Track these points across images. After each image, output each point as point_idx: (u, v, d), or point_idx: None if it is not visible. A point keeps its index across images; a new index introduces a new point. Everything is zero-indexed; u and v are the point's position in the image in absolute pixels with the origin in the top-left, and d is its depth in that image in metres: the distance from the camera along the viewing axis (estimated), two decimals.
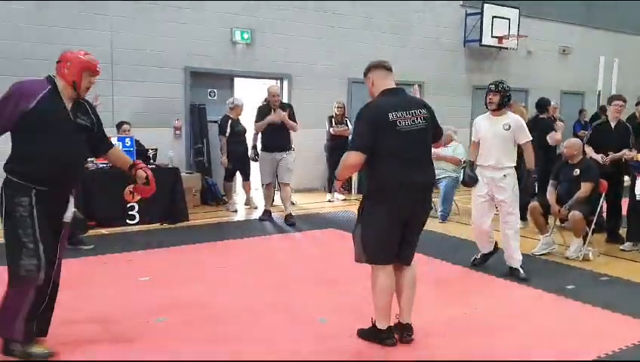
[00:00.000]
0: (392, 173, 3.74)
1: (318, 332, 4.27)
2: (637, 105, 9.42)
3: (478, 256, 6.15)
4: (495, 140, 5.70)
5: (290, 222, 8.20)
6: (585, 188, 6.39)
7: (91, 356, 3.78)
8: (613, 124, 7.16)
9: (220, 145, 9.26)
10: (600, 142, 7.09)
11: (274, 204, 8.93)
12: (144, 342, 4.01)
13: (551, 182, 6.76)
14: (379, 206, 3.81)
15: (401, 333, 4.01)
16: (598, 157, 6.95)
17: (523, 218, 7.47)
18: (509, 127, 5.65)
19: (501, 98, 5.67)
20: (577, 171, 6.53)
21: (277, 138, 8.20)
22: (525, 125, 5.85)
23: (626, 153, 6.81)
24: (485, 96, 5.80)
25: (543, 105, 8.63)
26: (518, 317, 4.65)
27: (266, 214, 8.52)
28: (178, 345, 3.98)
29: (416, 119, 3.81)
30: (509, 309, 4.87)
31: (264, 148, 8.30)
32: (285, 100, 9.90)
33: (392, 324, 3.98)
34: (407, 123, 3.76)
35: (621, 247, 6.93)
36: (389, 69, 3.97)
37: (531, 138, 5.80)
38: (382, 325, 3.93)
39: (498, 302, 5.08)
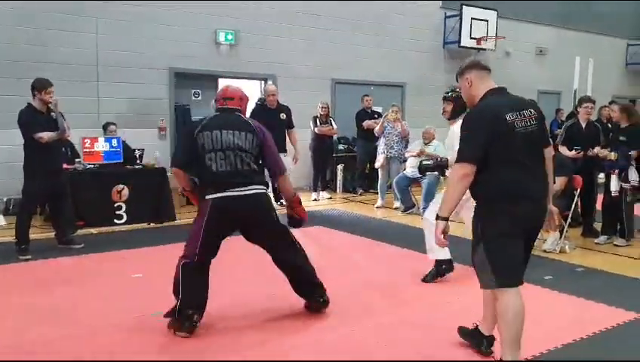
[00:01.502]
0: (512, 182, 3.26)
1: (309, 323, 4.44)
2: (602, 108, 9.77)
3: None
4: (449, 152, 5.48)
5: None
6: (559, 182, 6.65)
7: (89, 348, 3.91)
8: (583, 125, 7.45)
9: None
10: (572, 142, 7.38)
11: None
12: (140, 335, 4.14)
13: None
14: (500, 220, 3.29)
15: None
16: (572, 153, 7.24)
17: None
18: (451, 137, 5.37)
19: (454, 106, 5.32)
20: None
21: (277, 138, 8.20)
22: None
23: (600, 151, 7.08)
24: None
25: None
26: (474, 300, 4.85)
27: None
28: (174, 337, 4.11)
29: (530, 120, 3.34)
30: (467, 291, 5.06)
31: None
32: None
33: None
34: (523, 125, 3.30)
35: (596, 241, 7.20)
36: (488, 69, 3.59)
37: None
38: (515, 356, 3.38)
39: (478, 291, 5.27)
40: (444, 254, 5.35)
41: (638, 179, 6.83)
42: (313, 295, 4.54)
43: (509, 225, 3.28)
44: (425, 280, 5.43)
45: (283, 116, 8.41)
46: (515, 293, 3.34)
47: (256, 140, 4.24)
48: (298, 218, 4.59)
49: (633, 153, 6.80)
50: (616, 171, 6.89)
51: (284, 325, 4.38)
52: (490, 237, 3.32)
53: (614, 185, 6.93)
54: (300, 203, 4.63)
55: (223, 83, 10.82)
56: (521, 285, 3.37)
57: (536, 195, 3.37)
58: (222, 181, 4.11)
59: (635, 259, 6.53)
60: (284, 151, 8.46)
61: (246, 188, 4.14)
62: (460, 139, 3.34)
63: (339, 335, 4.20)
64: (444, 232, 3.32)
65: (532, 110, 3.40)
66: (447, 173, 5.39)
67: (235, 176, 4.13)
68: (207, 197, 4.12)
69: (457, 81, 3.65)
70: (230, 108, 4.38)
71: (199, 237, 4.15)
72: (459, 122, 5.16)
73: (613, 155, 6.86)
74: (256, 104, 8.81)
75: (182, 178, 4.38)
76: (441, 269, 5.43)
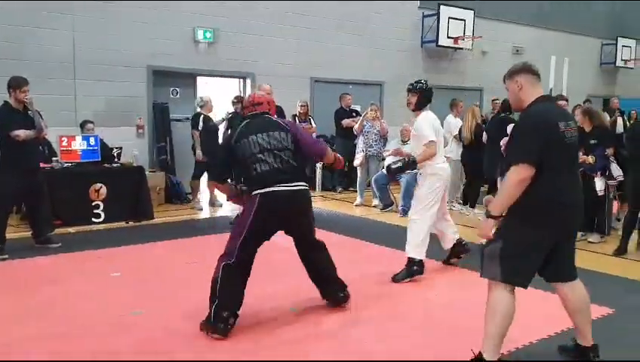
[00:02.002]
0: (561, 190, 3.33)
1: (288, 319, 4.48)
2: (576, 107, 9.91)
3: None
4: (413, 141, 5.86)
5: None
6: None
7: (68, 349, 3.89)
8: None
9: (192, 142, 9.23)
10: None
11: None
12: (120, 335, 4.13)
13: (499, 179, 7.17)
14: (533, 227, 3.34)
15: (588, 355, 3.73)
16: None
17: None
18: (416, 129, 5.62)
19: (419, 98, 5.53)
20: None
21: None
22: (425, 126, 5.50)
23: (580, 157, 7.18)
24: None
25: (508, 107, 8.88)
26: (476, 301, 4.90)
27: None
28: (153, 336, 4.12)
29: (573, 131, 3.40)
30: (467, 294, 5.13)
31: None
32: None
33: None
34: (569, 135, 3.36)
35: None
36: (539, 75, 3.55)
37: (431, 139, 5.43)
38: (492, 357, 3.43)
39: (456, 287, 5.36)
40: (420, 255, 5.45)
41: (622, 173, 6.95)
42: (335, 290, 4.72)
43: (540, 234, 3.36)
44: (395, 279, 5.46)
45: None
46: (510, 292, 3.42)
47: (290, 137, 4.41)
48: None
49: (609, 151, 6.92)
50: (599, 173, 6.99)
51: (274, 323, 4.40)
52: (513, 238, 3.37)
53: (599, 185, 6.95)
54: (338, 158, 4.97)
55: (201, 81, 10.85)
56: (525, 288, 3.46)
57: (580, 202, 3.48)
58: (267, 180, 4.24)
59: (609, 255, 6.65)
60: None
61: (291, 184, 4.30)
62: (517, 142, 3.39)
63: (309, 331, 4.24)
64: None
65: (573, 122, 3.51)
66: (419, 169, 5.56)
67: (279, 174, 4.27)
68: (255, 192, 4.23)
69: (504, 82, 3.64)
70: (260, 113, 4.54)
71: (242, 235, 4.23)
72: (423, 114, 5.53)
73: (591, 159, 6.94)
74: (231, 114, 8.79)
75: (223, 189, 4.69)
76: (412, 270, 5.48)
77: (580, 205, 3.49)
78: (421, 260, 5.49)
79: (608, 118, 13.26)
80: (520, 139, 3.37)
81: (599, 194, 7.01)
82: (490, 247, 3.44)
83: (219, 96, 10.24)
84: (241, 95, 10.07)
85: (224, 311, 4.07)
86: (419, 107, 5.56)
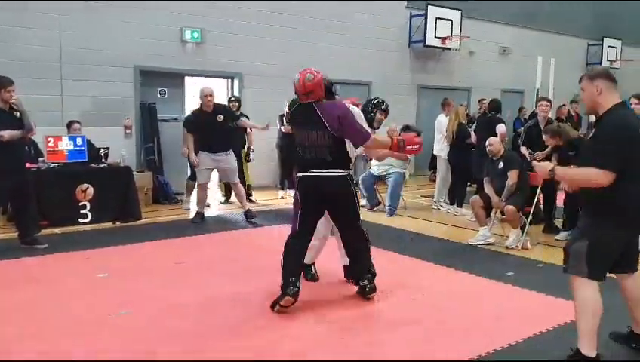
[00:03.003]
0: (638, 195, 3.49)
1: (276, 320, 4.47)
2: (561, 107, 10.03)
3: None
4: None
5: (251, 215, 8.29)
6: (511, 175, 6.85)
7: (55, 349, 3.88)
8: (542, 125, 7.65)
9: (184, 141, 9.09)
10: (532, 142, 7.55)
11: (230, 201, 9.15)
12: (108, 335, 4.12)
13: (485, 179, 7.20)
14: (618, 227, 3.53)
15: None
16: (525, 152, 7.52)
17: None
18: None
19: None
20: (502, 164, 7.00)
21: (217, 138, 8.06)
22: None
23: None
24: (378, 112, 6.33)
25: (496, 108, 8.96)
26: (462, 301, 4.96)
27: (198, 217, 8.33)
28: (142, 336, 4.12)
29: None
30: (453, 294, 5.17)
31: (203, 149, 8.09)
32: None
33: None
34: None
35: (556, 237, 7.37)
36: (616, 82, 3.65)
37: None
38: (591, 352, 3.60)
39: (443, 287, 5.39)
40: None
41: None
42: (362, 280, 5.00)
43: (622, 236, 3.58)
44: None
45: (220, 118, 8.19)
46: (595, 289, 3.58)
47: (327, 134, 4.72)
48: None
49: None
50: None
51: (256, 324, 4.41)
52: (597, 238, 3.55)
53: None
54: (403, 145, 5.07)
55: (189, 81, 10.83)
56: (603, 280, 3.64)
57: None
58: (307, 165, 4.81)
59: None
60: (226, 150, 8.14)
61: (325, 171, 4.74)
62: (602, 147, 3.49)
63: (300, 330, 4.25)
64: None
65: None
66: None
67: (316, 162, 4.76)
68: (298, 175, 4.87)
69: (580, 81, 3.75)
70: (308, 104, 4.99)
71: (298, 212, 4.90)
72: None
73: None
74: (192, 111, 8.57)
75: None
76: None
77: None
78: None
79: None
80: (607, 145, 3.47)
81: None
82: (575, 246, 3.63)
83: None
84: (236, 95, 10.10)
85: (290, 277, 4.60)
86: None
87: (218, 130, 8.03)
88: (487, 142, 7.30)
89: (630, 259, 3.79)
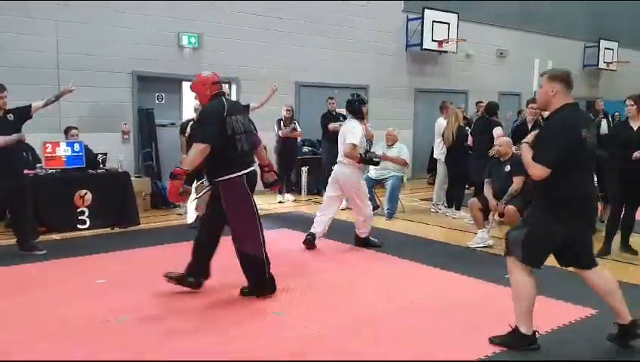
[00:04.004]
0: (578, 191, 3.81)
1: (275, 324, 4.48)
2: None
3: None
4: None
5: None
6: (517, 181, 6.82)
7: (54, 353, 3.87)
8: (529, 125, 7.69)
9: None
10: (519, 141, 7.53)
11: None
12: (106, 341, 4.12)
13: (486, 180, 7.18)
14: (556, 221, 3.80)
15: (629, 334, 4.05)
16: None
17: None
18: None
19: None
20: (508, 167, 6.97)
21: None
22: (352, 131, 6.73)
23: None
24: (363, 107, 6.93)
25: (493, 110, 8.98)
26: (461, 304, 4.97)
27: (199, 221, 8.43)
28: (140, 342, 4.12)
29: (593, 137, 3.89)
30: (452, 297, 5.18)
31: None
32: None
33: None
34: (591, 140, 3.82)
35: None
36: (572, 87, 3.93)
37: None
38: (527, 330, 3.95)
39: (441, 290, 5.39)
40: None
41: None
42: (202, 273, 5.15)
43: (561, 226, 3.81)
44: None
45: None
46: (529, 273, 3.93)
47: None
48: (272, 179, 5.68)
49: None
50: None
51: (245, 326, 4.41)
52: (536, 226, 3.86)
53: None
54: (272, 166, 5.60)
55: (186, 86, 10.81)
56: (538, 269, 3.96)
57: (595, 197, 4.03)
58: (246, 159, 4.89)
59: None
60: None
61: (254, 164, 5.01)
62: (541, 143, 3.81)
63: (297, 334, 4.25)
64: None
65: (593, 128, 3.96)
66: None
67: (250, 155, 4.97)
68: (237, 174, 4.79)
69: (541, 75, 4.00)
70: (223, 92, 4.98)
71: (255, 222, 5.01)
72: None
73: None
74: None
75: (203, 156, 4.68)
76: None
77: (595, 199, 4.04)
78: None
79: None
80: (546, 141, 3.79)
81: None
82: (516, 233, 3.96)
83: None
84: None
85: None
86: None
87: None
88: (496, 143, 7.29)
89: (585, 255, 4.05)
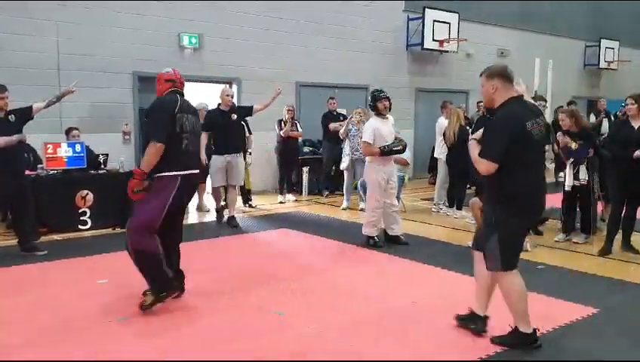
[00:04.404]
0: (530, 183, 3.85)
1: (277, 324, 4.48)
2: (558, 108, 10.05)
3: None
4: (390, 138, 6.91)
5: (234, 223, 8.31)
6: None
7: (56, 353, 3.88)
8: None
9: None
10: None
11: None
12: (107, 342, 4.12)
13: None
14: (513, 216, 3.84)
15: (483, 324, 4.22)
16: None
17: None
18: (393, 125, 7.10)
19: (389, 102, 6.99)
20: None
21: (230, 138, 8.31)
22: None
23: (562, 140, 7.20)
24: (377, 102, 6.97)
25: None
26: (462, 303, 4.95)
27: (219, 216, 8.66)
28: (141, 342, 4.12)
29: (541, 128, 3.88)
30: (453, 296, 5.17)
31: (215, 151, 8.36)
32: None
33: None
34: (537, 131, 3.83)
35: (556, 238, 7.39)
36: (512, 80, 3.99)
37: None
38: (527, 329, 3.97)
39: (443, 290, 5.39)
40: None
41: (586, 178, 7.04)
42: (179, 277, 4.99)
43: (521, 222, 3.91)
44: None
45: (234, 117, 8.36)
46: (516, 274, 3.94)
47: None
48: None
49: (591, 151, 6.99)
50: (571, 165, 7.08)
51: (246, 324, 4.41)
52: (504, 231, 3.85)
53: (584, 174, 7.08)
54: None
55: (187, 87, 10.76)
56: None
57: (544, 192, 4.02)
58: (189, 160, 4.66)
59: (593, 255, 6.72)
60: (238, 151, 8.41)
61: (196, 168, 4.75)
62: (486, 139, 3.86)
63: (298, 334, 4.25)
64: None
65: (541, 118, 3.95)
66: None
67: (193, 158, 4.77)
68: (175, 173, 4.51)
69: (480, 76, 4.04)
70: (182, 92, 4.85)
71: (162, 212, 4.52)
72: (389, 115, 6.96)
73: (574, 144, 7.01)
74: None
75: (159, 154, 4.52)
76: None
77: (545, 192, 4.05)
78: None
79: (594, 119, 13.44)
80: (491, 137, 3.84)
81: (566, 189, 7.11)
82: (489, 246, 3.91)
83: (205, 101, 10.20)
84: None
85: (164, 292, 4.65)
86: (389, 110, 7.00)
87: (232, 129, 8.31)
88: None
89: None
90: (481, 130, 4.03)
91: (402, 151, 7.10)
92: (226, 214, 8.54)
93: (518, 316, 3.97)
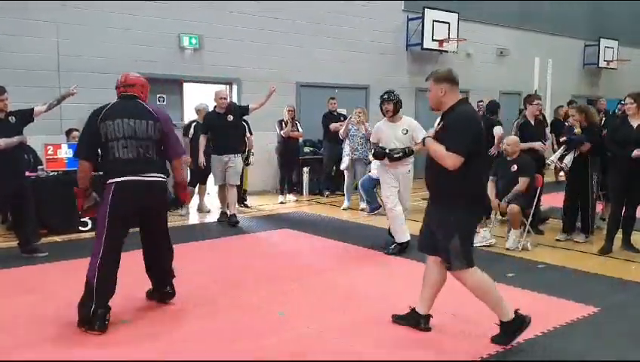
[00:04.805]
0: (482, 183, 4.04)
1: (277, 324, 4.48)
2: (558, 108, 10.06)
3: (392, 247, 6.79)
4: (397, 143, 6.57)
5: (235, 221, 8.36)
6: (522, 182, 6.83)
7: (56, 357, 3.88)
8: (532, 121, 7.66)
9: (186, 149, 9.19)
10: (525, 139, 7.50)
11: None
12: (108, 341, 4.13)
13: (490, 178, 7.16)
14: (472, 214, 4.01)
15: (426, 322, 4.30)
16: (537, 144, 7.42)
17: None
18: (407, 131, 6.60)
19: (394, 106, 6.58)
20: (515, 167, 6.96)
21: (228, 139, 8.39)
22: (419, 125, 6.70)
23: (572, 120, 7.35)
24: (381, 105, 6.73)
25: (493, 109, 8.98)
26: (463, 303, 4.95)
27: (224, 216, 8.67)
28: (142, 343, 4.13)
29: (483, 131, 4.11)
30: (454, 296, 5.16)
31: (214, 152, 8.41)
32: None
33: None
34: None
35: (557, 238, 7.39)
36: (458, 83, 4.10)
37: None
38: (510, 315, 4.00)
39: (443, 289, 5.37)
40: (405, 237, 6.71)
41: (569, 166, 7.08)
42: (164, 283, 4.84)
43: (477, 220, 4.04)
44: (388, 252, 6.67)
45: (230, 118, 8.40)
46: (477, 268, 4.01)
47: (157, 127, 4.43)
48: (181, 201, 4.97)
49: (584, 146, 7.00)
50: (564, 145, 7.16)
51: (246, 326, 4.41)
52: (464, 228, 3.94)
53: (554, 157, 7.27)
54: (186, 188, 5.07)
55: (187, 88, 10.84)
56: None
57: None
58: (123, 167, 4.34)
59: (594, 254, 6.72)
60: (236, 152, 8.48)
61: (145, 175, 4.38)
62: (451, 136, 3.85)
63: (298, 334, 4.25)
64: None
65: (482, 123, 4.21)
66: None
67: (136, 163, 4.37)
68: (109, 181, 4.33)
69: (427, 80, 4.13)
70: (131, 95, 4.54)
71: (103, 234, 4.30)
72: (404, 119, 6.71)
73: (578, 130, 7.14)
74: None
75: (87, 171, 4.53)
76: (404, 246, 6.68)
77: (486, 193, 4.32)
78: (408, 240, 6.70)
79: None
80: (459, 132, 3.85)
81: (566, 168, 7.15)
82: (452, 245, 3.93)
83: (206, 102, 10.22)
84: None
85: (99, 309, 4.25)
86: (394, 113, 6.66)
87: (229, 130, 8.37)
88: (505, 141, 7.30)
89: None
90: (432, 129, 4.10)
91: (395, 157, 6.52)
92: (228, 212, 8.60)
93: (496, 307, 4.01)
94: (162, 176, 4.54)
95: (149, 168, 4.42)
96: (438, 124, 4.10)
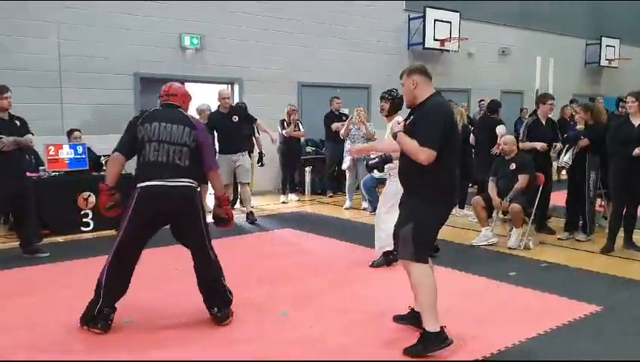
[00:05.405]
0: (452, 175, 3.95)
1: (280, 324, 4.48)
2: (564, 107, 10.04)
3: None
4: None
5: (252, 218, 8.48)
6: (522, 180, 6.83)
7: (59, 356, 3.88)
8: (544, 121, 7.63)
9: None
10: (535, 138, 7.49)
11: (235, 207, 9.22)
12: (112, 343, 4.13)
13: (491, 178, 7.17)
14: (437, 206, 3.90)
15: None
16: (538, 145, 7.39)
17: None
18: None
19: (391, 105, 6.06)
20: (514, 165, 6.98)
21: (233, 139, 8.42)
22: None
23: (578, 117, 7.37)
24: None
25: (494, 108, 8.97)
26: (465, 302, 4.96)
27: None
28: (144, 343, 4.13)
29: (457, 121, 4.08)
30: (456, 295, 5.16)
31: (220, 151, 8.40)
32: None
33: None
34: (458, 125, 4.00)
35: (559, 236, 7.38)
36: (431, 77, 4.06)
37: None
38: (437, 327, 3.87)
39: (445, 289, 5.36)
40: (390, 246, 5.61)
41: (570, 164, 7.12)
42: (211, 302, 4.53)
43: (443, 212, 3.97)
44: (372, 265, 6.07)
45: (235, 118, 8.45)
46: (429, 268, 3.94)
47: (193, 135, 4.38)
48: (224, 216, 4.70)
49: (582, 142, 7.00)
50: (566, 144, 7.21)
51: (251, 327, 4.41)
52: (422, 219, 3.85)
53: (568, 156, 7.21)
54: (229, 202, 4.84)
55: (189, 87, 10.80)
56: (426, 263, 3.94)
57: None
58: (150, 171, 4.24)
59: (596, 253, 6.72)
60: (241, 151, 8.53)
61: (174, 180, 4.25)
62: (423, 129, 3.78)
63: (301, 334, 4.25)
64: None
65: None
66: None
67: (163, 168, 4.24)
68: (137, 186, 4.24)
69: (401, 78, 4.12)
70: (172, 104, 4.57)
71: (122, 230, 4.28)
72: (396, 118, 6.00)
73: (581, 126, 7.18)
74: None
75: (117, 166, 4.44)
76: (389, 259, 6.03)
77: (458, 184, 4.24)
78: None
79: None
80: (432, 124, 3.79)
81: (566, 166, 7.21)
82: (403, 231, 3.89)
83: (207, 102, 10.22)
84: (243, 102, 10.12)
85: (105, 308, 4.26)
86: (391, 113, 6.04)
87: (234, 130, 8.40)
88: (502, 141, 7.30)
89: None
90: (402, 123, 4.04)
91: (370, 164, 5.58)
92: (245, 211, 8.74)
93: (426, 311, 3.88)
94: (190, 181, 4.34)
95: (176, 173, 4.27)
96: (407, 119, 4.07)
